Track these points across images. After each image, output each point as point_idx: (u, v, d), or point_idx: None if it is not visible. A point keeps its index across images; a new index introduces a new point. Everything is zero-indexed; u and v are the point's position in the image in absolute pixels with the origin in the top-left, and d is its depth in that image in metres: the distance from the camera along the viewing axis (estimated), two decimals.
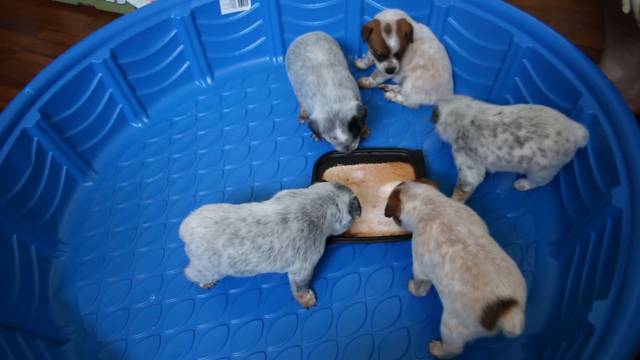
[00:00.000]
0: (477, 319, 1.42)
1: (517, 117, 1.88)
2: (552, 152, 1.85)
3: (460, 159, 2.02)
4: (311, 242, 1.71)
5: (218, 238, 1.65)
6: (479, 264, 1.44)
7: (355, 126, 2.07)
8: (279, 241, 1.67)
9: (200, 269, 1.75)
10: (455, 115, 2.03)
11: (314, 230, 1.72)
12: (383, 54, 2.30)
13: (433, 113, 2.14)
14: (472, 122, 1.96)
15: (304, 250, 1.70)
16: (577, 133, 1.86)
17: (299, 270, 1.75)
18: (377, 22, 2.27)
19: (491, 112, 1.95)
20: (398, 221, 1.82)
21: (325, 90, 2.07)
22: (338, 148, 2.18)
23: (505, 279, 1.41)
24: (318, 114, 2.07)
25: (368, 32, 2.29)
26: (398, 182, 2.14)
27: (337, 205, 1.78)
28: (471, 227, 1.57)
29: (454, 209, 1.64)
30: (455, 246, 1.51)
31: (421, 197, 1.71)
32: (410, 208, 1.72)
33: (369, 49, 2.37)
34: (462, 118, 2.00)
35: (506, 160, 1.91)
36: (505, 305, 1.38)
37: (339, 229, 1.84)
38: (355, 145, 2.19)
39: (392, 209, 1.78)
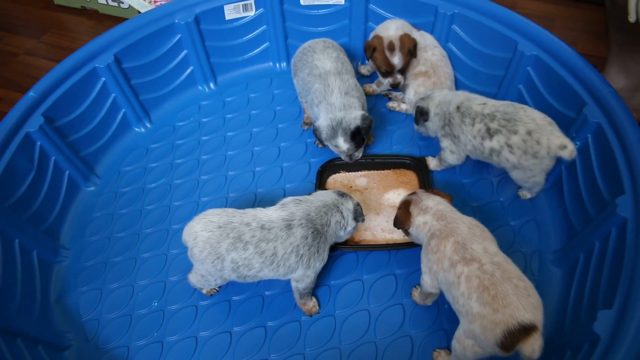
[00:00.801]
0: (496, 343, 1.41)
1: (494, 110, 1.92)
2: (520, 151, 1.87)
3: (446, 143, 2.11)
4: (315, 250, 1.71)
5: (222, 242, 1.65)
6: (497, 284, 1.43)
7: (358, 136, 2.06)
8: (282, 247, 1.66)
9: (203, 274, 1.75)
10: (443, 104, 2.07)
11: (318, 237, 1.71)
12: (387, 71, 2.31)
13: (419, 113, 2.14)
14: (458, 108, 2.01)
15: (308, 257, 1.70)
16: (552, 140, 1.82)
17: (301, 277, 1.74)
18: (380, 39, 2.27)
19: (477, 102, 1.99)
20: (406, 232, 1.80)
21: (331, 98, 2.07)
22: (341, 156, 2.18)
23: (525, 301, 1.40)
24: (322, 122, 2.07)
25: (371, 51, 2.30)
26: (401, 190, 2.15)
27: (341, 212, 1.77)
28: (485, 244, 1.56)
29: (467, 225, 1.61)
30: (471, 265, 1.49)
31: (433, 211, 1.68)
32: (420, 222, 1.69)
33: (373, 65, 2.38)
34: (448, 104, 2.05)
35: (480, 150, 1.97)
36: (525, 330, 1.37)
37: (343, 235, 1.84)
38: (358, 154, 2.18)
39: (401, 222, 1.75)
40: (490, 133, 1.90)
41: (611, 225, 1.72)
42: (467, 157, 2.12)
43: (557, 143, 1.82)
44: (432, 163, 2.23)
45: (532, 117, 1.86)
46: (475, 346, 1.50)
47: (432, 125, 2.15)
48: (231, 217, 1.70)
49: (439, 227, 1.63)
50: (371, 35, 2.37)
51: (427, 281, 1.69)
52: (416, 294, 1.86)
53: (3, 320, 1.67)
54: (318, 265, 1.75)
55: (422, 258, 1.70)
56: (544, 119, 1.87)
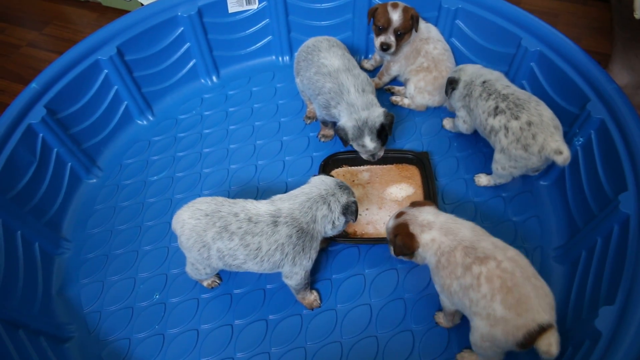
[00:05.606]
0: (516, 344, 1.41)
1: (511, 93, 1.95)
2: (513, 136, 1.88)
3: (462, 113, 2.18)
4: (300, 249, 1.68)
5: (208, 230, 1.64)
6: (519, 286, 1.42)
7: (382, 133, 2.04)
8: (267, 243, 1.64)
9: (193, 262, 1.75)
10: (473, 75, 2.10)
11: (303, 236, 1.67)
12: (383, 27, 2.27)
13: (449, 82, 2.17)
14: (484, 82, 2.04)
15: (292, 256, 1.67)
16: (549, 142, 1.81)
17: (289, 274, 1.73)
18: (386, 2, 2.28)
19: (502, 83, 2.02)
20: (411, 257, 1.68)
21: (350, 97, 2.02)
22: (364, 156, 2.13)
23: (544, 302, 1.41)
24: (346, 122, 2.03)
25: (374, 10, 2.29)
26: (403, 184, 2.15)
27: (329, 205, 1.70)
28: (492, 239, 1.55)
29: (469, 229, 1.58)
30: (488, 264, 1.46)
31: (437, 225, 1.59)
32: (428, 240, 1.59)
33: (373, 29, 2.35)
34: (478, 77, 2.08)
35: (483, 126, 2.00)
36: (543, 329, 1.38)
37: (330, 232, 1.75)
38: (381, 153, 2.14)
39: (409, 247, 1.61)
40: (496, 111, 1.93)
41: (614, 221, 1.72)
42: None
43: (553, 147, 1.80)
44: (447, 124, 2.38)
45: (540, 113, 1.86)
46: (493, 346, 1.49)
47: (456, 94, 2.17)
48: (220, 206, 1.68)
49: (448, 243, 1.56)
50: None
51: (445, 300, 1.65)
52: (441, 319, 1.79)
53: (5, 312, 1.67)
54: (305, 262, 1.71)
55: (434, 278, 1.64)
56: (552, 119, 1.86)
